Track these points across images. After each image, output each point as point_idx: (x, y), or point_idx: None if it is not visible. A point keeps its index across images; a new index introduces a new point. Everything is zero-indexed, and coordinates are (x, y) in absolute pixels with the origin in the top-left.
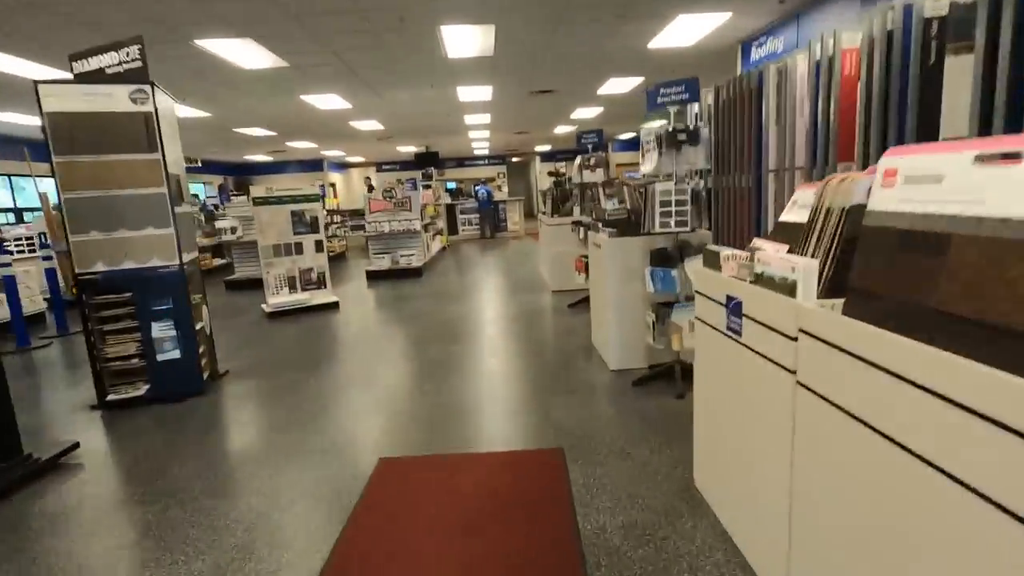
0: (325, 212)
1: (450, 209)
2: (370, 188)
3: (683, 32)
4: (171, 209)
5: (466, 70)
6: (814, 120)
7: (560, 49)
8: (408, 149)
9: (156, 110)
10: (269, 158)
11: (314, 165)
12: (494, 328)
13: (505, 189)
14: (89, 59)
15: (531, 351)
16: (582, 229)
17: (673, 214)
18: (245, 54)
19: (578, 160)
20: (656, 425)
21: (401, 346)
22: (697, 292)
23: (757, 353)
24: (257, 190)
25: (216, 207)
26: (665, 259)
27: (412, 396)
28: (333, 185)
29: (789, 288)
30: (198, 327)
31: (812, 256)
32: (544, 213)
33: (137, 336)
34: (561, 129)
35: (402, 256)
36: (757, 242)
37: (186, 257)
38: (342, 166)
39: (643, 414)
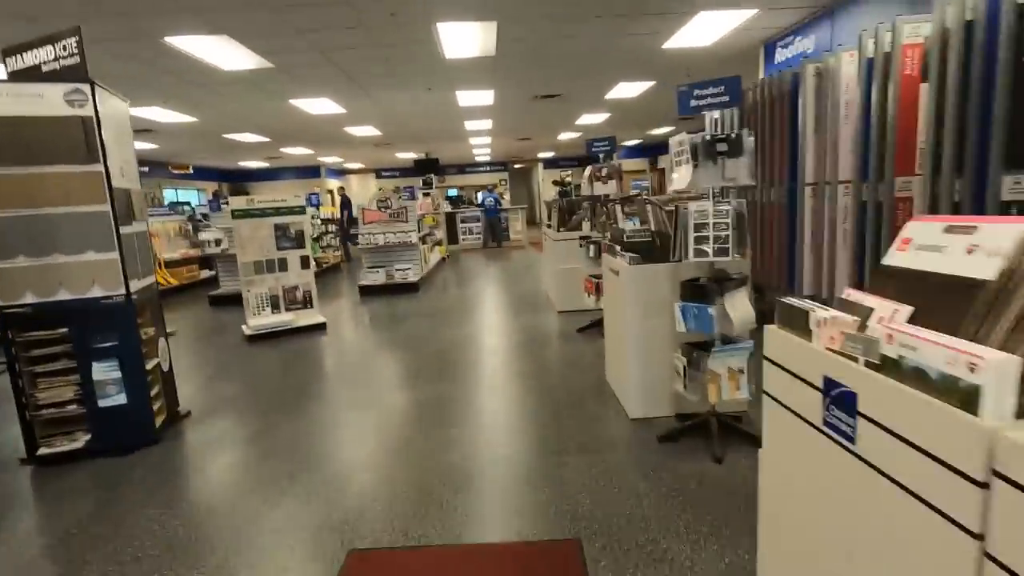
0: (320, 221)
1: (450, 217)
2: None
3: (702, 31)
4: (115, 229)
5: (466, 72)
6: (864, 127)
7: (567, 49)
8: (408, 155)
9: (97, 113)
10: (265, 164)
11: (311, 172)
12: (495, 359)
13: (507, 197)
14: (24, 54)
15: (537, 390)
16: (592, 247)
17: (711, 240)
18: (223, 53)
19: (588, 170)
20: (696, 503)
21: (389, 382)
22: (767, 359)
23: (893, 481)
24: (237, 201)
25: (205, 216)
26: (699, 293)
27: (397, 455)
28: (331, 192)
29: (962, 396)
30: (151, 365)
31: (1004, 346)
32: (550, 226)
33: (75, 379)
34: (566, 135)
35: (397, 270)
36: (857, 296)
37: (136, 285)
38: (340, 172)
39: (677, 486)
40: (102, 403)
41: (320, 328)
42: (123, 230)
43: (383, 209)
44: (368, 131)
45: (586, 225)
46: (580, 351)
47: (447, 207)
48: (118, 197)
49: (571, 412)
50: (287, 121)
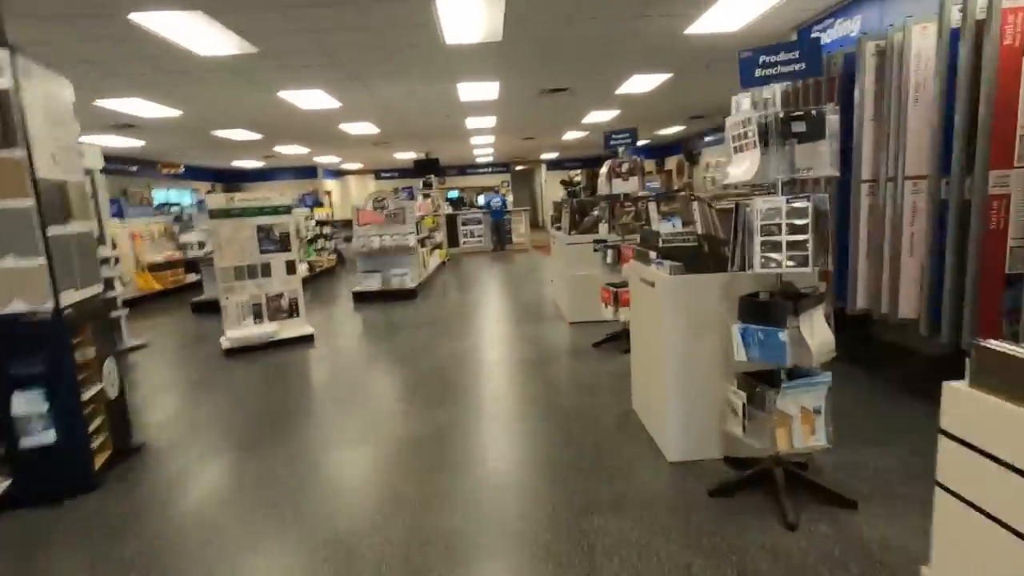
0: (315, 222)
1: (451, 219)
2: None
3: (730, 14)
4: (42, 230)
5: (468, 61)
6: (945, 112)
7: (581, 34)
8: (407, 156)
9: (18, 87)
10: (260, 164)
11: (308, 172)
12: (501, 380)
13: (510, 199)
14: None
15: (552, 421)
16: (610, 252)
17: (784, 245)
18: (198, 34)
19: (606, 166)
20: None
21: (379, 409)
22: (947, 434)
23: None
24: (215, 199)
25: (192, 217)
26: (766, 313)
27: (384, 517)
28: (329, 193)
29: None
30: (90, 394)
31: None
32: (559, 228)
33: None
34: (571, 135)
35: (394, 275)
36: None
37: (71, 297)
38: (338, 173)
39: (742, 564)
40: (25, 442)
41: (307, 340)
42: (53, 231)
43: (379, 210)
44: (365, 128)
45: (603, 228)
46: (598, 371)
47: (448, 209)
48: (47, 190)
49: (595, 453)
50: (278, 116)
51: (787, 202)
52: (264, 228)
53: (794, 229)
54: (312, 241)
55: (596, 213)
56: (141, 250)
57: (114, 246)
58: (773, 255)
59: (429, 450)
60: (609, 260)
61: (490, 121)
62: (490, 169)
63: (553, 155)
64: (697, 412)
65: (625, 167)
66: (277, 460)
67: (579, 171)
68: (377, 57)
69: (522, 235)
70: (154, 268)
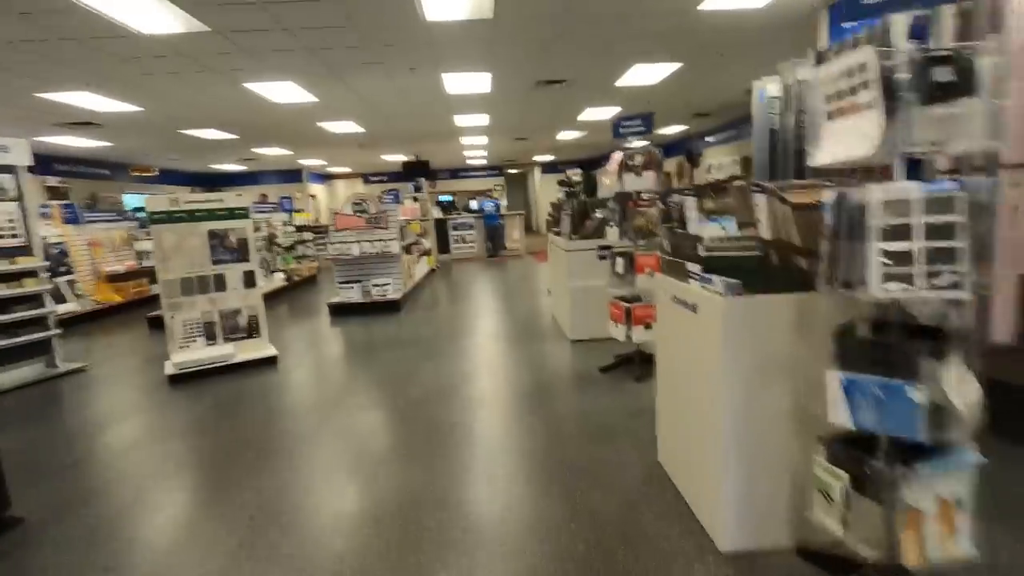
0: (294, 228)
1: (441, 224)
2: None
3: None
4: None
5: (455, 45)
6: None
7: (580, 12)
8: (395, 158)
9: None
10: (241, 167)
11: (292, 176)
12: (491, 422)
13: (504, 202)
14: None
15: (554, 483)
16: (621, 261)
17: (921, 256)
18: (136, 7)
19: (615, 159)
20: None
21: (338, 463)
22: None
23: None
24: (155, 202)
25: None
26: (887, 357)
27: None
28: (314, 197)
29: None
30: None
31: None
32: (558, 233)
33: None
34: (566, 135)
35: (375, 286)
36: None
37: None
38: (325, 177)
39: None
40: None
41: (269, 364)
42: None
43: (359, 214)
44: (348, 127)
45: (611, 231)
46: (610, 407)
47: (437, 213)
48: None
49: (617, 540)
50: (250, 113)
51: (924, 190)
52: (217, 234)
53: (936, 231)
54: (291, 248)
55: (600, 215)
56: (100, 259)
57: (65, 255)
58: (904, 269)
59: (391, 533)
60: (620, 269)
61: (482, 119)
62: (483, 172)
63: (547, 157)
64: (762, 484)
65: (639, 160)
66: (183, 557)
67: (578, 170)
68: (347, 39)
69: (516, 240)
70: (114, 279)
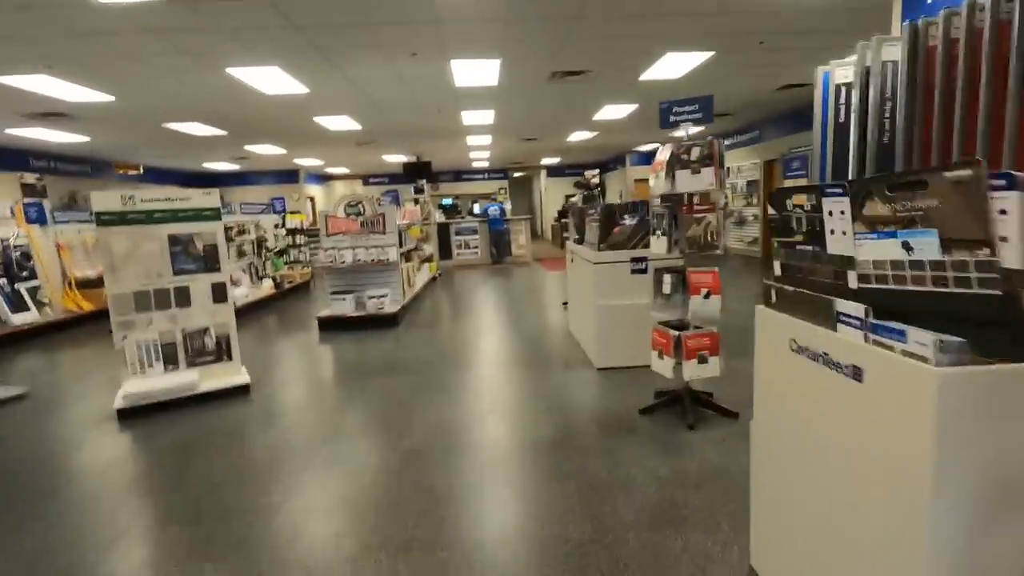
0: (284, 231)
1: (443, 228)
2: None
3: None
4: None
5: (462, 24)
6: None
7: None
8: (396, 159)
9: None
10: (234, 167)
11: (288, 176)
12: (509, 489)
13: (508, 206)
14: None
15: None
16: (669, 279)
17: None
18: None
19: (663, 154)
20: None
21: (294, 554)
22: None
23: None
24: (103, 199)
25: None
26: None
27: None
28: (312, 199)
29: None
30: None
31: None
32: (579, 241)
33: None
34: (578, 136)
35: (371, 298)
36: None
37: None
38: (322, 178)
39: None
40: None
41: (240, 393)
42: None
43: (353, 216)
44: (344, 123)
45: (658, 242)
46: (664, 470)
47: (440, 217)
48: None
49: None
50: (237, 106)
51: None
52: (180, 239)
53: None
54: (282, 253)
55: (628, 221)
56: (69, 263)
57: (28, 258)
58: None
59: None
60: (667, 289)
61: (488, 116)
62: (486, 175)
63: (554, 160)
64: None
65: (696, 153)
66: None
67: (596, 172)
68: (336, 16)
69: (522, 246)
70: (85, 285)
